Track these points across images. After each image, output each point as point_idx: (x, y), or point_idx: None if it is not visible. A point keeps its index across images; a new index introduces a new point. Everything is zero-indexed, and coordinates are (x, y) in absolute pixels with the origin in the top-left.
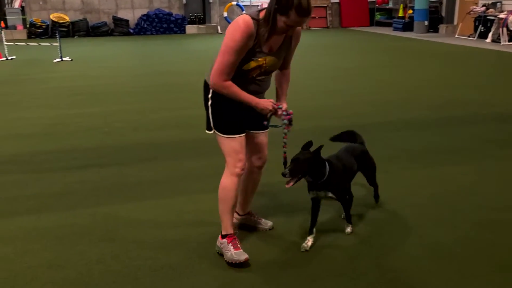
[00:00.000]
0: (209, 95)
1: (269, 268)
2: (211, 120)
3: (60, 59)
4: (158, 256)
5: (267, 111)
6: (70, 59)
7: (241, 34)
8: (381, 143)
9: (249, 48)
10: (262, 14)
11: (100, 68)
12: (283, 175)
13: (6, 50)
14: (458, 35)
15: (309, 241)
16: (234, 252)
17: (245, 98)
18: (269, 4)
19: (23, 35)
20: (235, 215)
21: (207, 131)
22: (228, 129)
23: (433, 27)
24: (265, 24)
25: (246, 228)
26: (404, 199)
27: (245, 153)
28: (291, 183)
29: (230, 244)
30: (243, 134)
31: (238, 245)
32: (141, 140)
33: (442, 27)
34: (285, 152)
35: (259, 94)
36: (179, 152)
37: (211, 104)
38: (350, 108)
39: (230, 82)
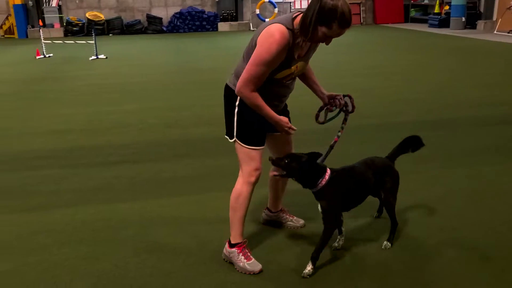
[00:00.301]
0: (237, 103)
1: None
2: (235, 128)
3: (95, 57)
4: (192, 251)
5: (281, 130)
6: (105, 57)
7: (277, 47)
8: None
9: (282, 59)
10: (296, 22)
11: (134, 65)
12: (269, 159)
13: (44, 48)
14: (497, 31)
15: (340, 240)
16: (247, 263)
17: (268, 112)
18: (309, 13)
19: (60, 33)
20: (267, 211)
21: (228, 138)
22: (252, 140)
23: (470, 23)
24: (304, 34)
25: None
26: (440, 200)
27: (261, 162)
28: (275, 173)
29: (241, 254)
30: (264, 146)
31: (250, 255)
32: (174, 137)
33: (480, 23)
34: (338, 137)
35: (286, 96)
36: (212, 149)
37: (237, 112)
38: (383, 107)
39: (256, 94)
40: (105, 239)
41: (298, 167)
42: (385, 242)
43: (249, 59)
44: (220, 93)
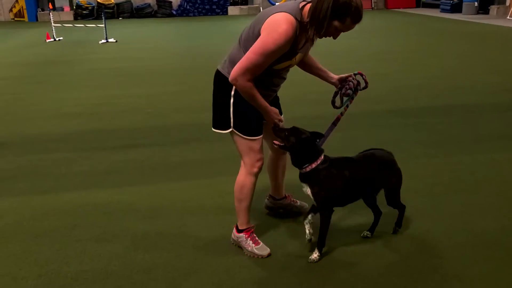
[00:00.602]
0: (232, 92)
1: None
2: (231, 119)
3: (105, 41)
4: (200, 235)
5: (270, 121)
6: (115, 41)
7: (285, 38)
8: (426, 128)
9: (286, 50)
10: (304, 13)
11: (144, 49)
12: (272, 128)
13: (54, 31)
14: (510, 17)
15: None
16: (256, 248)
17: (261, 103)
18: (321, 6)
19: (70, 16)
20: (271, 199)
21: (218, 131)
22: (251, 130)
23: (483, 8)
24: (318, 29)
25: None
26: (450, 185)
27: (262, 152)
28: (276, 142)
29: (249, 238)
30: (262, 134)
31: (257, 239)
32: (183, 121)
33: (493, 8)
34: (342, 114)
35: (279, 86)
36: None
37: (233, 102)
38: (395, 93)
39: (252, 84)
40: (115, 221)
41: (294, 142)
42: (395, 227)
43: (246, 46)
44: None
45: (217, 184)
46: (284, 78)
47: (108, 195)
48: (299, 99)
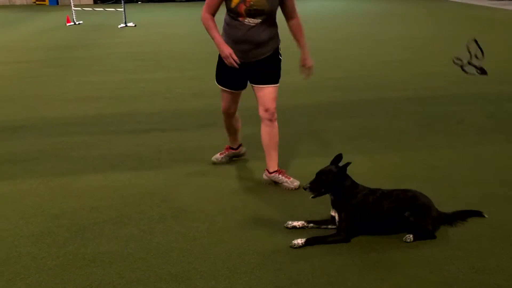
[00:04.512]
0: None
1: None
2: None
3: (124, 25)
4: (216, 219)
5: (223, 56)
6: (134, 25)
7: None
8: (448, 117)
9: None
10: None
11: (163, 34)
12: (304, 189)
13: (74, 15)
14: None
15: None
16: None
17: (214, 36)
18: None
19: (90, 0)
20: (266, 172)
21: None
22: (217, 78)
23: None
24: None
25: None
26: (470, 176)
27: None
28: (313, 196)
29: (281, 175)
30: (230, 92)
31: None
32: (201, 107)
33: None
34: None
35: (246, 43)
36: None
37: (218, 55)
38: (416, 80)
39: (209, 16)
40: (132, 204)
41: (330, 180)
42: (409, 235)
43: None
44: None
45: (233, 169)
46: (249, 32)
47: (125, 178)
48: (318, 85)
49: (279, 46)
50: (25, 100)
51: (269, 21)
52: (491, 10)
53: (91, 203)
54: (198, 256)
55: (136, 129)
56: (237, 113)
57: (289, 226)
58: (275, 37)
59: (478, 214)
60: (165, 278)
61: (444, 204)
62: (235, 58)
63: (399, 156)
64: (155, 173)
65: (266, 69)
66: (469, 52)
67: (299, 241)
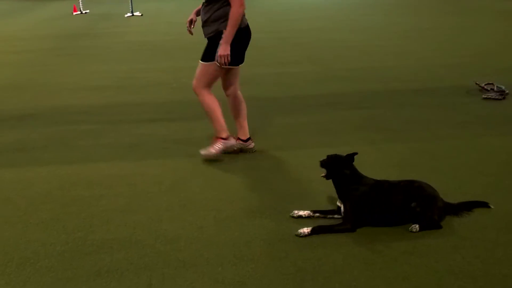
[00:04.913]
0: None
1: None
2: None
3: (131, 14)
4: (222, 208)
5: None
6: (140, 14)
7: None
8: (454, 108)
9: None
10: None
11: (169, 23)
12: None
13: (80, 4)
14: None
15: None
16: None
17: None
18: None
19: None
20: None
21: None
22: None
23: None
24: None
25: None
26: (475, 167)
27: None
28: (323, 174)
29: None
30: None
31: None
32: None
33: None
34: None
35: (203, 20)
36: None
37: None
38: (422, 71)
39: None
40: (140, 193)
41: (335, 163)
42: (414, 225)
43: None
44: (253, 53)
45: (239, 159)
46: (203, 12)
47: (133, 167)
48: (326, 76)
49: (223, 31)
50: (33, 88)
51: (212, 5)
52: (502, 0)
53: (99, 191)
54: (205, 244)
55: (143, 118)
56: (239, 94)
57: (295, 215)
58: (218, 21)
59: (484, 204)
60: (173, 264)
61: (450, 195)
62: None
63: (406, 146)
64: (162, 162)
65: (206, 47)
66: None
67: (305, 230)
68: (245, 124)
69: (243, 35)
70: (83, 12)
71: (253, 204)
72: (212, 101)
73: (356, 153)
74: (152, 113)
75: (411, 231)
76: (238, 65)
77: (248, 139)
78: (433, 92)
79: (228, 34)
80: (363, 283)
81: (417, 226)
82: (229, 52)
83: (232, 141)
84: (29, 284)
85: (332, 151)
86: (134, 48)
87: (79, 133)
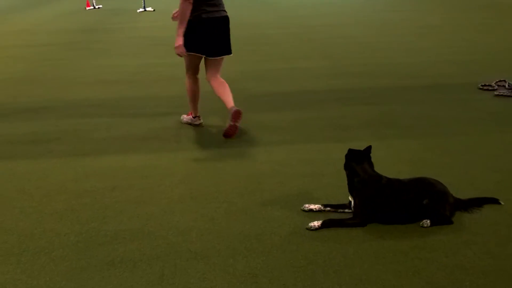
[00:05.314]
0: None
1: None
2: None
3: (143, 9)
4: (233, 201)
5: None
6: (152, 10)
7: None
8: (464, 104)
9: None
10: None
11: None
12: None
13: None
14: None
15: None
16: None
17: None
18: None
19: None
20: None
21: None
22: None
23: None
24: None
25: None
26: (487, 163)
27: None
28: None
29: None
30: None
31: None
32: None
33: None
34: None
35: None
36: (255, 104)
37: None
38: (434, 68)
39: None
40: (152, 185)
41: (350, 155)
42: (425, 221)
43: None
44: (265, 48)
45: (250, 153)
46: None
47: (146, 159)
48: (337, 71)
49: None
50: (47, 82)
51: None
52: None
53: (112, 182)
54: (216, 236)
55: (155, 112)
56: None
57: (306, 209)
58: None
59: (494, 201)
60: (185, 256)
61: (461, 191)
62: None
63: (417, 142)
64: (174, 155)
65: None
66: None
67: (316, 223)
68: (227, 99)
69: (194, 26)
70: (96, 7)
71: (264, 197)
72: (190, 86)
73: (370, 146)
74: (164, 107)
75: (422, 227)
76: (194, 52)
77: (232, 107)
78: (445, 88)
79: (177, 27)
80: (374, 276)
81: (428, 221)
82: (180, 43)
83: (197, 122)
84: (43, 273)
85: (343, 146)
86: (146, 43)
87: (92, 126)
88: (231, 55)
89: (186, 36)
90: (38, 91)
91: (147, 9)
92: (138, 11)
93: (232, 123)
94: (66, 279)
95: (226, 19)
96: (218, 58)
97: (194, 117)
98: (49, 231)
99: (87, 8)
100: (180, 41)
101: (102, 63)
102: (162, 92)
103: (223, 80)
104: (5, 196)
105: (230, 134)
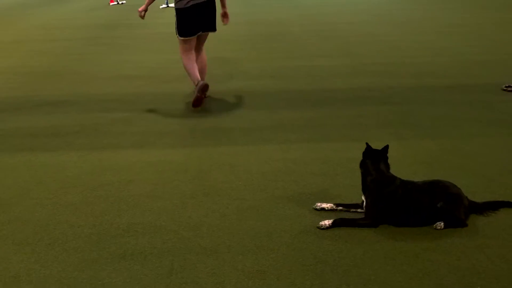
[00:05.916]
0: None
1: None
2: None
3: (166, 5)
4: (245, 197)
5: None
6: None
7: None
8: (486, 105)
9: None
10: None
11: None
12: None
13: None
14: None
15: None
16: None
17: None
18: None
19: None
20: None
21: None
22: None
23: None
24: None
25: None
26: (505, 166)
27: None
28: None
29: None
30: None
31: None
32: (236, 88)
33: None
34: None
35: None
36: (272, 102)
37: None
38: (456, 67)
39: None
40: (166, 180)
41: (365, 154)
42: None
43: None
44: (285, 46)
45: (265, 151)
46: None
47: (161, 154)
48: (357, 70)
49: (175, 7)
50: (69, 76)
51: None
52: None
53: (127, 176)
54: (227, 232)
55: (173, 108)
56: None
57: (317, 207)
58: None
59: (510, 205)
60: (195, 250)
61: (478, 194)
62: None
63: (435, 143)
64: (189, 151)
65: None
66: None
67: (326, 222)
68: (200, 73)
69: (184, 13)
70: (120, 2)
71: (276, 194)
72: (186, 62)
73: (387, 146)
74: (182, 104)
75: (435, 229)
76: (190, 36)
77: (201, 80)
78: (466, 89)
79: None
80: (383, 277)
81: (442, 223)
82: (142, 9)
83: (199, 85)
84: (56, 263)
85: (359, 146)
86: (167, 39)
87: (111, 120)
88: (216, 31)
89: (180, 24)
90: (60, 85)
91: (170, 5)
92: (161, 7)
93: (198, 95)
94: (78, 270)
95: (210, 2)
96: (203, 33)
97: (196, 85)
98: (64, 223)
99: (111, 3)
100: (142, 8)
101: (124, 59)
102: (181, 88)
103: (205, 56)
104: (24, 187)
105: (197, 104)
